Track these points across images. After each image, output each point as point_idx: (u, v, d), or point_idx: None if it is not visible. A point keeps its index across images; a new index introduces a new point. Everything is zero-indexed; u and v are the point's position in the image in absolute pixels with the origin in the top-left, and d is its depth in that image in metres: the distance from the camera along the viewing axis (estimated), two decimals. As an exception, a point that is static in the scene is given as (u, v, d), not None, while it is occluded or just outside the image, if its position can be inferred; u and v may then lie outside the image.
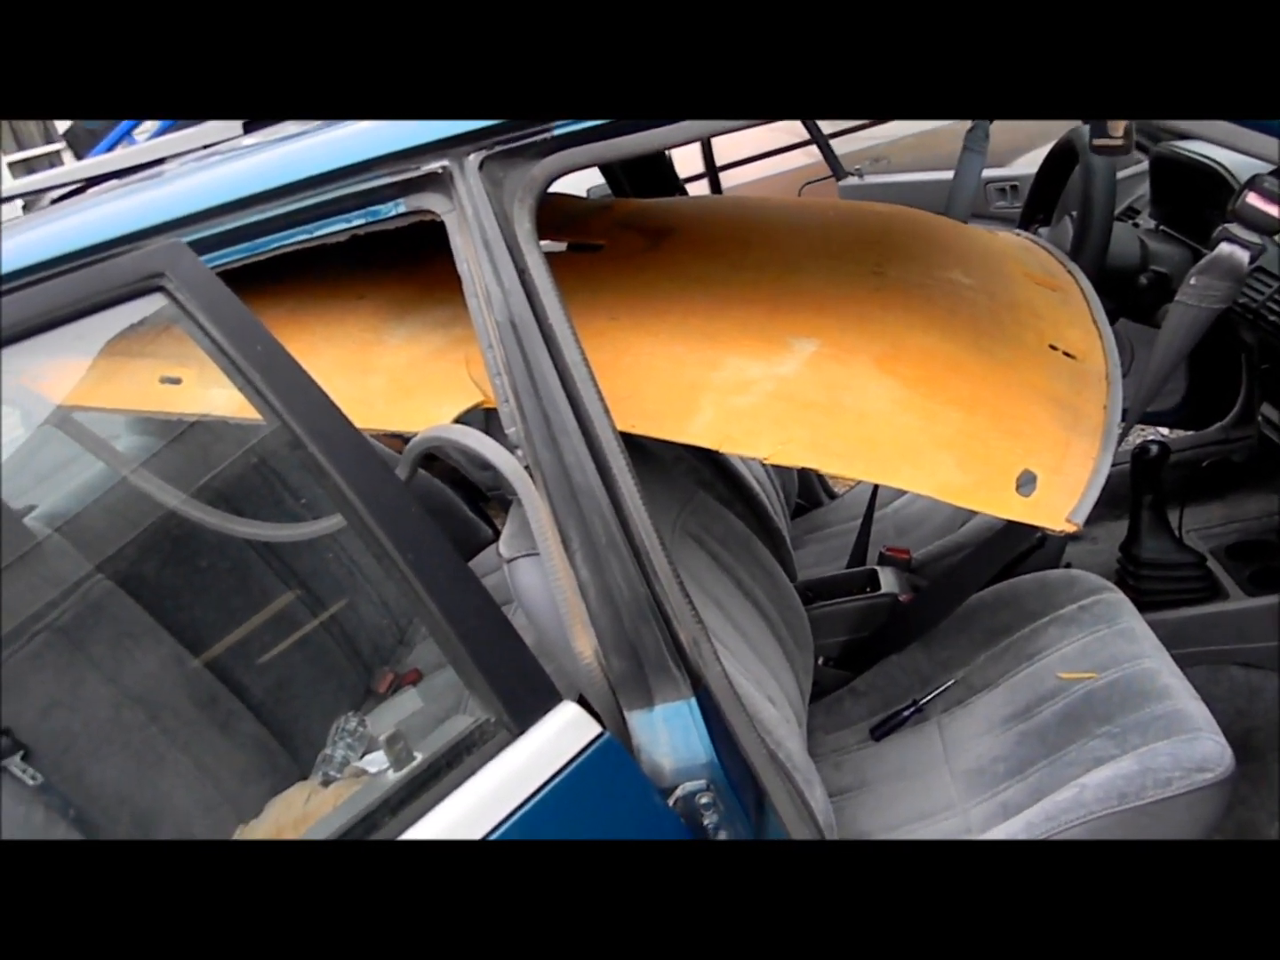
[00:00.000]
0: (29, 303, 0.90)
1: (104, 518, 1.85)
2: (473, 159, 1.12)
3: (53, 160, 6.54)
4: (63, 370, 1.33)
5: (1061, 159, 2.11)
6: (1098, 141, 1.53)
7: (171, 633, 1.84)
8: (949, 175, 2.46)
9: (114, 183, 1.41)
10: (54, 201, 1.56)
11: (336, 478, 0.97)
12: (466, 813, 0.98)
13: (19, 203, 1.73)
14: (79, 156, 5.08)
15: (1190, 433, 2.40)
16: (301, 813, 1.58)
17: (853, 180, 3.42)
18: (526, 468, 1.13)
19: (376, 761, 1.33)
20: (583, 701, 1.14)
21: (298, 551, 2.11)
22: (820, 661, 1.87)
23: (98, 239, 1.06)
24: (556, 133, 1.10)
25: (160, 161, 1.39)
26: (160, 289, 0.97)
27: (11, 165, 6.74)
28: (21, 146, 7.05)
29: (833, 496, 2.67)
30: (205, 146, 1.35)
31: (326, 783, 1.70)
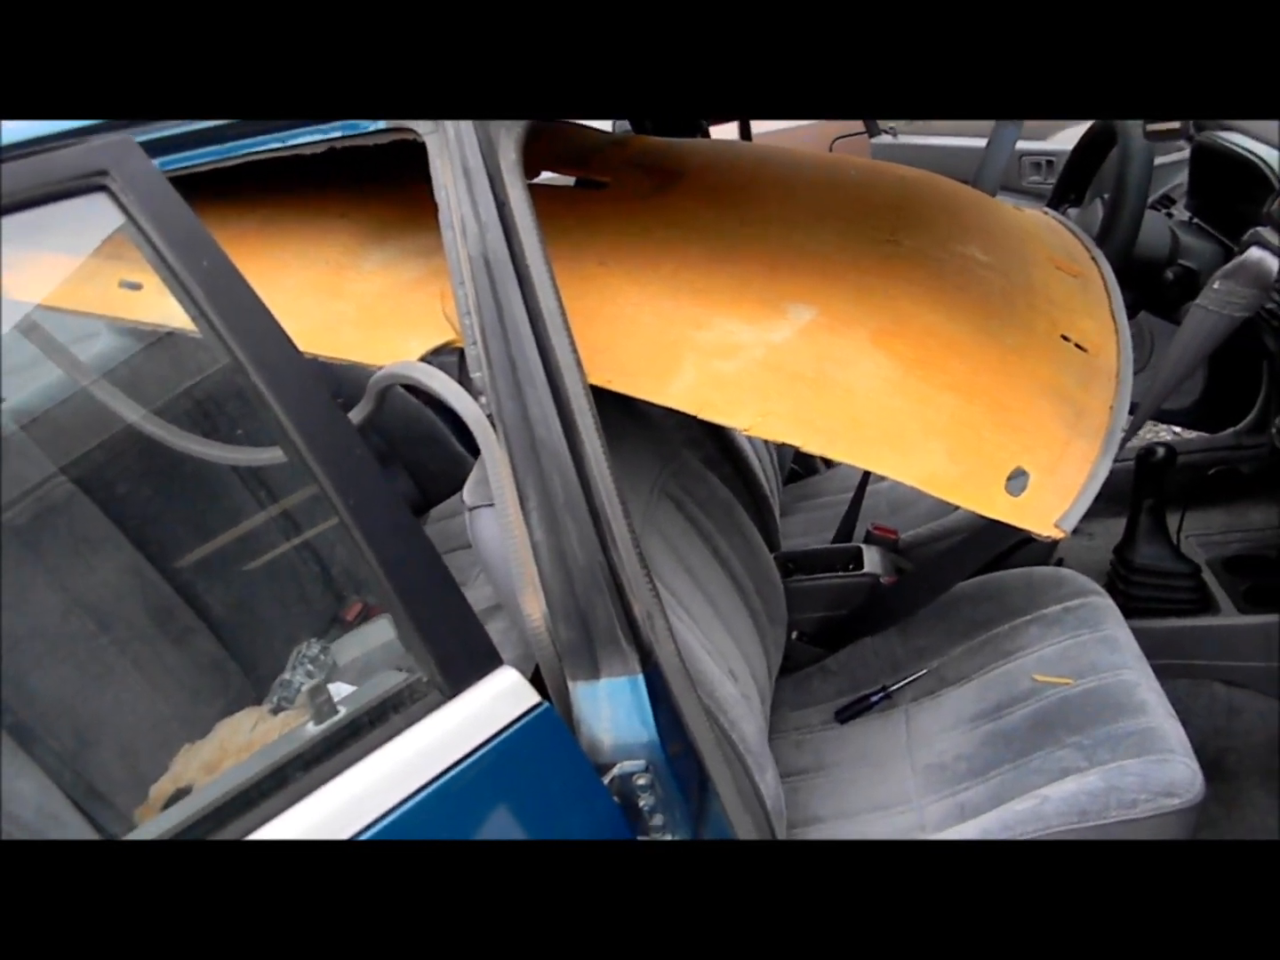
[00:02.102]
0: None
1: (73, 418, 1.79)
2: (462, 78, 1.04)
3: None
4: (19, 264, 1.26)
5: (1100, 139, 2.02)
6: (1152, 127, 1.43)
7: (133, 543, 1.80)
8: (984, 143, 2.36)
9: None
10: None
11: (277, 410, 0.91)
12: (387, 774, 0.93)
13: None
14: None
15: (1201, 434, 2.32)
16: (247, 739, 1.55)
17: (886, 139, 3.32)
18: (489, 416, 1.06)
19: (341, 690, 1.28)
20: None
21: (274, 471, 2.05)
22: (794, 636, 1.82)
23: (48, 130, 0.98)
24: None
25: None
26: (103, 188, 0.89)
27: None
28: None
29: (830, 466, 2.61)
30: None
31: (276, 710, 1.67)
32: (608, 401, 1.08)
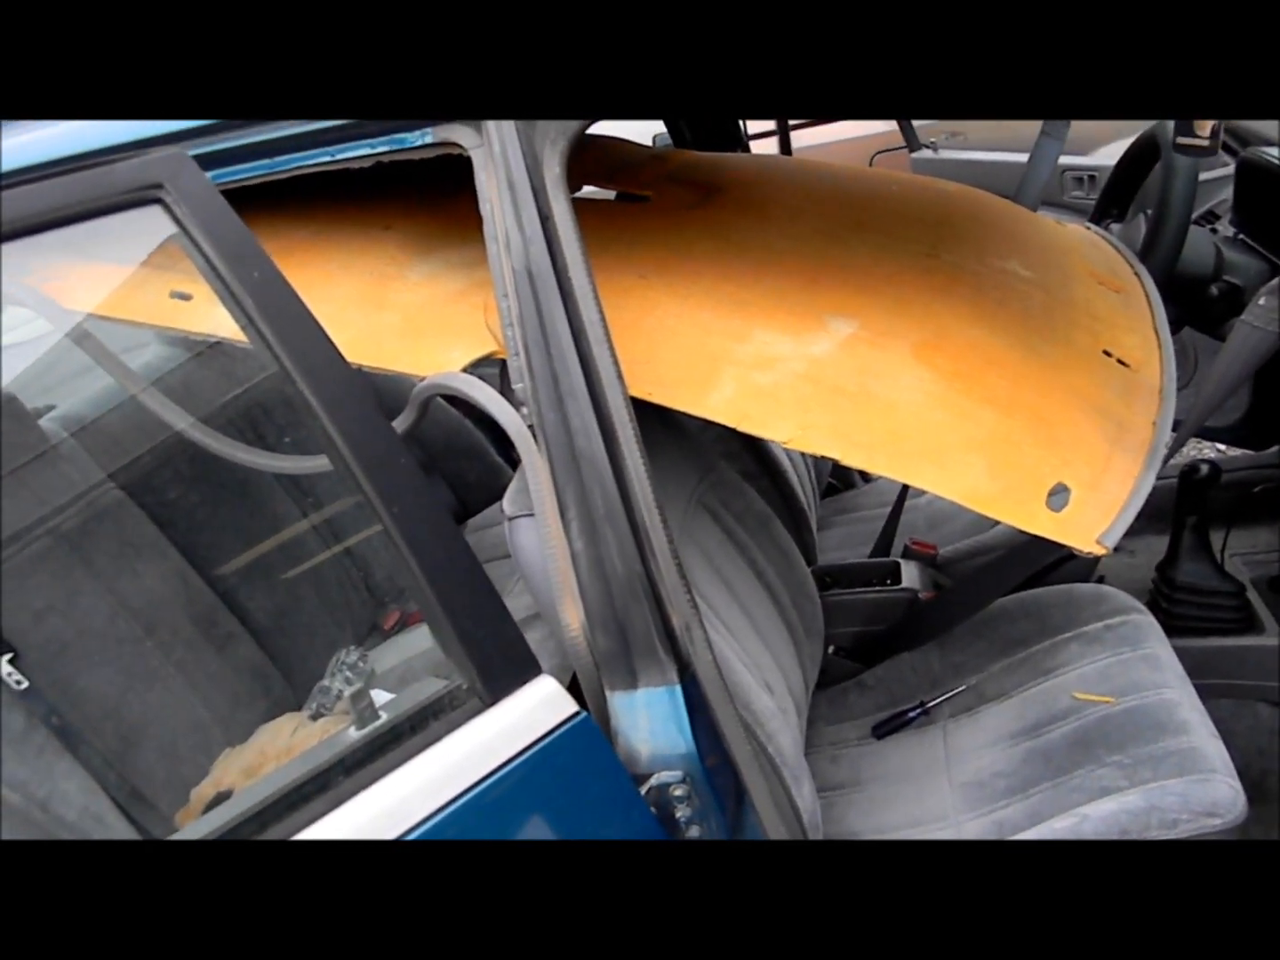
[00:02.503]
0: (13, 203, 0.86)
1: (122, 426, 1.83)
2: (507, 93, 1.05)
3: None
4: (72, 274, 1.29)
5: (1143, 153, 2.01)
6: (1182, 140, 1.42)
7: (178, 549, 1.82)
8: (1025, 158, 2.35)
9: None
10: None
11: (324, 419, 0.93)
12: (426, 780, 0.94)
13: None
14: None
15: (1247, 452, 2.29)
16: (287, 744, 1.56)
17: (926, 153, 3.32)
18: (531, 427, 1.07)
19: (380, 697, 1.30)
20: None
21: (317, 479, 2.08)
22: (830, 650, 1.82)
23: (104, 143, 1.01)
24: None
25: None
26: (158, 201, 0.92)
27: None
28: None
29: (867, 480, 2.60)
30: None
31: (316, 716, 1.68)
32: (645, 413, 1.09)
